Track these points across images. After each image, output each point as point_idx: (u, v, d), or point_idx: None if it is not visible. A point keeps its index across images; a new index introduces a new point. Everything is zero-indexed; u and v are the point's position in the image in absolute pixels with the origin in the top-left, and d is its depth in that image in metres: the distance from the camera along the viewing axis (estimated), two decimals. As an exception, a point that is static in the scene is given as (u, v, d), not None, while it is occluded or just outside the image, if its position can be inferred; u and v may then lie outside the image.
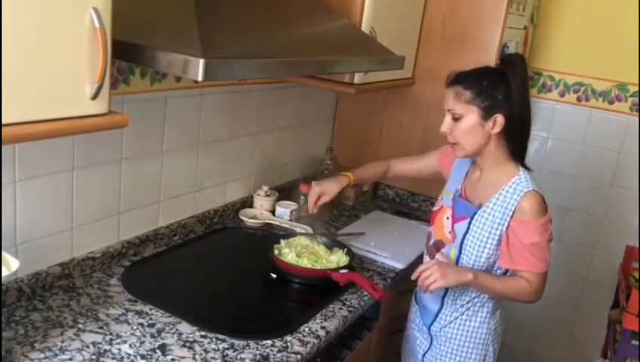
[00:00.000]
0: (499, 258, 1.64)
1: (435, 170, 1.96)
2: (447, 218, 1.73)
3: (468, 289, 1.70)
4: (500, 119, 1.57)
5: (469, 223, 1.66)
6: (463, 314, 1.73)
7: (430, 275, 1.57)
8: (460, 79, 1.61)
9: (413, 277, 1.64)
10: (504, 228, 1.60)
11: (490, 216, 1.62)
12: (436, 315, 1.78)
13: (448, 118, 1.62)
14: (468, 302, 1.72)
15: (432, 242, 1.78)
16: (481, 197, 1.67)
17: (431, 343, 1.81)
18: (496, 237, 1.62)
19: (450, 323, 1.75)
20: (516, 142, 1.62)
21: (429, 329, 1.81)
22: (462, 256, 1.68)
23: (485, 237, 1.63)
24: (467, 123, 1.59)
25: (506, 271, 1.65)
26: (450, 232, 1.71)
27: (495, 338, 1.76)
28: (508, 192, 1.60)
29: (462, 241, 1.67)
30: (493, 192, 1.63)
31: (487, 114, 1.57)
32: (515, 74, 1.56)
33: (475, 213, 1.65)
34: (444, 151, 1.89)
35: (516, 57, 1.66)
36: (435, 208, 1.81)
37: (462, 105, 1.59)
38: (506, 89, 1.56)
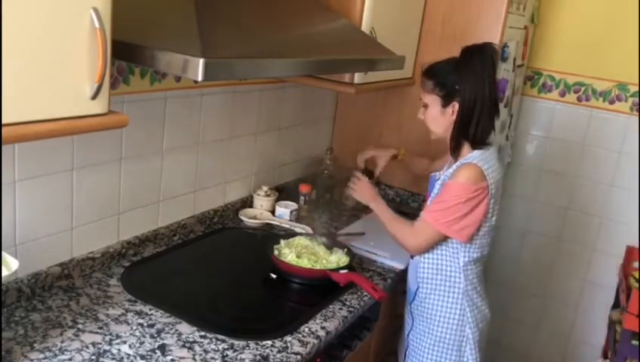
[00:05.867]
0: None
1: None
2: None
3: (440, 269, 1.78)
4: (457, 107, 1.70)
5: (430, 193, 1.81)
6: (435, 289, 1.80)
7: (354, 185, 1.94)
8: (426, 70, 1.76)
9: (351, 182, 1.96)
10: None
11: (439, 183, 1.77)
12: (415, 294, 1.85)
13: (421, 107, 1.80)
14: (440, 281, 1.78)
15: None
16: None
17: (413, 322, 1.87)
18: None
19: (425, 299, 1.81)
20: (466, 126, 1.70)
21: (410, 308, 1.88)
22: None
23: (430, 201, 1.78)
24: (432, 111, 1.77)
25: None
26: None
27: (473, 321, 1.78)
28: (457, 165, 1.73)
29: None
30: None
31: (445, 102, 1.72)
32: (468, 64, 1.66)
33: (435, 183, 1.81)
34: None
35: (477, 47, 1.69)
36: None
37: (426, 94, 1.77)
38: (460, 79, 1.67)
